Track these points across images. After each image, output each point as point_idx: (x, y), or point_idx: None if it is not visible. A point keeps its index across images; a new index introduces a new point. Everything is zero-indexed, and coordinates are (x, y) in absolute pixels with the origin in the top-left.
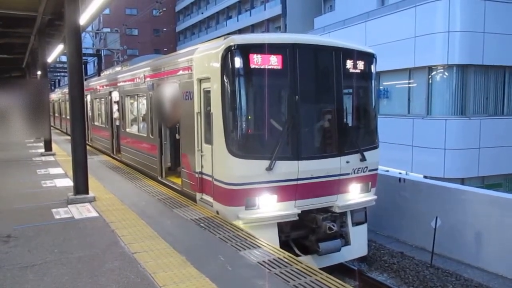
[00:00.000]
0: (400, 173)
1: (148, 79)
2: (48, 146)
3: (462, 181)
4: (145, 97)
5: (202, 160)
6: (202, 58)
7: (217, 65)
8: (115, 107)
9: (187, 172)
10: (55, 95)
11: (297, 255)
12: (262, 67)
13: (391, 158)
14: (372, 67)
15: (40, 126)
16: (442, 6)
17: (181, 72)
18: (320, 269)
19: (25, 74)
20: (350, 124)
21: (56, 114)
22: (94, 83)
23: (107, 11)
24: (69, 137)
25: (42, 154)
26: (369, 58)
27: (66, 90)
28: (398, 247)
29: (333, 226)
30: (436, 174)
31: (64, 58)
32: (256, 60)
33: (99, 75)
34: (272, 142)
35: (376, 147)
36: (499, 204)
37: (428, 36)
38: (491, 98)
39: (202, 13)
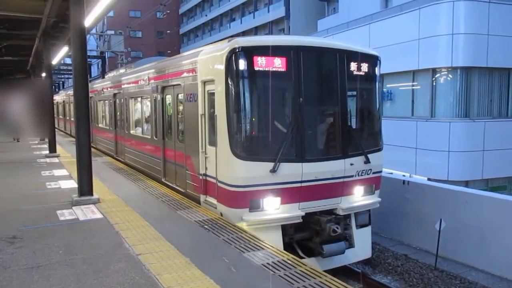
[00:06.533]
0: (404, 175)
1: (152, 81)
2: (52, 148)
3: (466, 183)
4: (149, 99)
5: (206, 162)
6: (207, 60)
7: (222, 67)
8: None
9: (191, 174)
10: (59, 97)
11: (301, 257)
12: (266, 69)
13: (395, 161)
14: (376, 69)
15: (44, 127)
16: (446, 8)
17: (185, 74)
18: (324, 271)
19: (30, 76)
20: (354, 126)
21: (61, 116)
22: (98, 85)
23: (111, 14)
24: (73, 139)
25: (46, 156)
26: (373, 60)
27: (70, 92)
28: (402, 249)
29: (337, 228)
30: (440, 176)
31: (68, 60)
32: (260, 62)
33: (103, 77)
34: (276, 144)
35: (380, 150)
36: (504, 206)
37: (432, 38)
38: (495, 100)
39: (206, 16)
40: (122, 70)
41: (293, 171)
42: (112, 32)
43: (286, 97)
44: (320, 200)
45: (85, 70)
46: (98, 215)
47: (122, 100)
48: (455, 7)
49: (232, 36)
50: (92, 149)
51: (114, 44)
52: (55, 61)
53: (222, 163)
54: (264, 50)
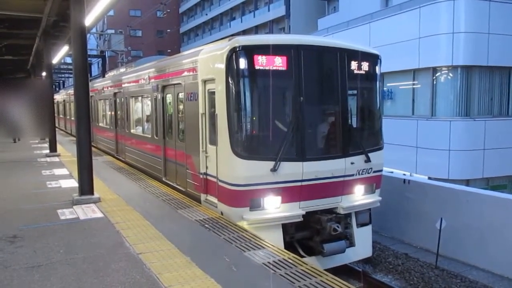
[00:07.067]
0: (404, 174)
1: (152, 80)
2: (53, 147)
3: (467, 182)
4: (149, 98)
5: (206, 161)
6: (207, 59)
7: (222, 66)
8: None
9: (191, 173)
10: (59, 96)
11: (302, 256)
12: (266, 68)
13: (395, 160)
14: (377, 68)
15: (44, 126)
16: (446, 7)
17: (186, 73)
18: (325, 270)
19: (30, 76)
20: (354, 125)
21: (61, 115)
22: (99, 84)
23: (111, 13)
24: (73, 138)
25: (47, 155)
26: (374, 59)
27: (70, 91)
28: (402, 248)
29: (338, 227)
30: (440, 175)
31: (69, 59)
32: (261, 61)
33: (103, 76)
34: (276, 143)
35: (380, 148)
36: (504, 205)
37: (433, 37)
38: (495, 99)
39: (206, 15)
40: (122, 69)
41: (294, 170)
42: (113, 31)
43: (287, 96)
44: (320, 199)
45: (86, 69)
46: (99, 214)
47: (122, 99)
48: (455, 6)
49: (232, 35)
50: (93, 148)
51: (114, 43)
52: (55, 60)
53: (223, 162)
54: (265, 49)
